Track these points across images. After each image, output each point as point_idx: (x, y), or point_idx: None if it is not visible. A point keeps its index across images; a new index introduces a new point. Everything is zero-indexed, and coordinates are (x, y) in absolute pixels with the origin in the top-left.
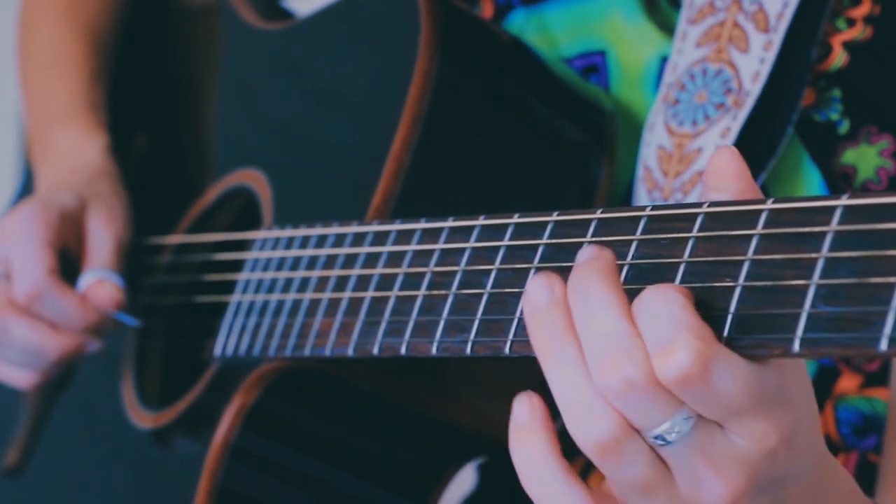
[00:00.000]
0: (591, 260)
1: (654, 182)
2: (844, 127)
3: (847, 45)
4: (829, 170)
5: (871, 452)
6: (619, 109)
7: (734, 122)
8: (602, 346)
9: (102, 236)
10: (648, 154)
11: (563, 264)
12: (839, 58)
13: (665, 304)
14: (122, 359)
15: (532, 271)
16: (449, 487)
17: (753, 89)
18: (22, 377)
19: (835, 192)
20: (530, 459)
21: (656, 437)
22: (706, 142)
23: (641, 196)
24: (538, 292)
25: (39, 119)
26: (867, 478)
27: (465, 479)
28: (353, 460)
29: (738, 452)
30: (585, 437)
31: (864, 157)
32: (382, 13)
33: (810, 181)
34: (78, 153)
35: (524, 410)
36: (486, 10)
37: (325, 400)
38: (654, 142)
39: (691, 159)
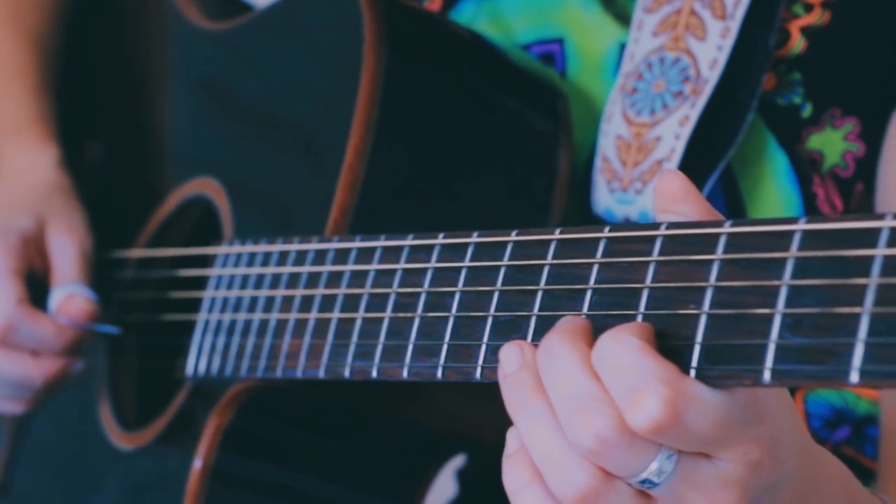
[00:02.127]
0: (560, 324)
1: (613, 172)
2: (808, 110)
3: (805, 31)
4: (796, 156)
5: (844, 445)
6: (578, 97)
7: (692, 111)
8: (570, 405)
9: (65, 250)
10: (606, 144)
11: (526, 287)
12: (798, 43)
13: (624, 350)
14: (97, 375)
15: (496, 294)
16: (433, 485)
17: (711, 77)
18: (11, 406)
19: (802, 177)
20: (520, 486)
21: (642, 482)
22: (665, 130)
23: (601, 187)
24: (509, 358)
25: None
26: None
27: (446, 486)
28: (334, 470)
29: (726, 475)
30: (564, 492)
31: (830, 142)
32: (326, 13)
33: (777, 166)
34: (31, 170)
35: (515, 440)
36: (435, 1)
37: (302, 414)
38: (612, 131)
39: (650, 148)
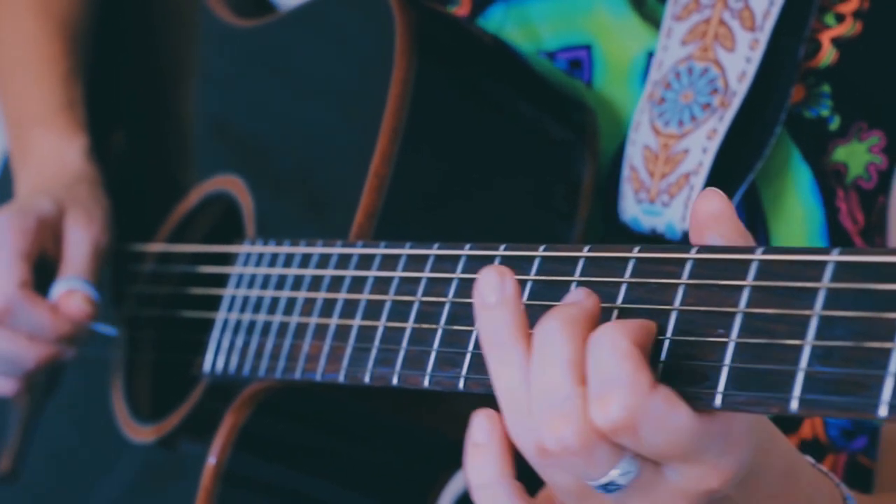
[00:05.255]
0: (570, 304)
1: (641, 183)
2: (835, 123)
3: (836, 42)
4: (821, 168)
5: (860, 454)
6: (604, 105)
7: (720, 124)
8: (545, 400)
9: (79, 242)
10: (634, 153)
11: (554, 303)
12: (829, 54)
13: (612, 350)
14: (111, 367)
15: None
16: (446, 489)
17: (740, 89)
18: (3, 385)
19: (826, 192)
20: (483, 479)
21: (598, 487)
22: (693, 143)
23: (628, 196)
24: (489, 286)
25: (16, 119)
26: (857, 479)
27: (460, 481)
28: (348, 473)
29: (676, 489)
30: (523, 440)
31: (854, 154)
32: (356, 16)
33: (800, 180)
34: (57, 158)
35: (483, 429)
36: (464, 4)
37: (318, 416)
38: (640, 141)
39: (678, 161)
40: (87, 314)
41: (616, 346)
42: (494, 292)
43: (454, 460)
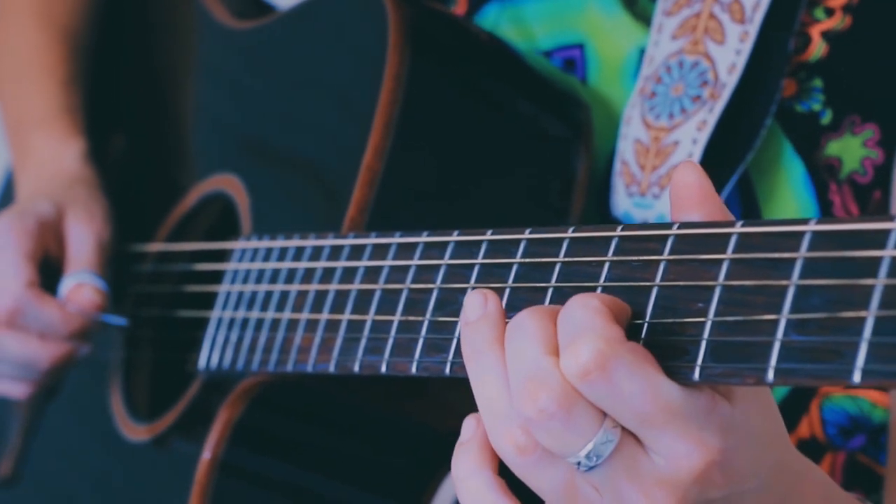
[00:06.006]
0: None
1: (632, 176)
2: (827, 117)
3: (826, 35)
4: (814, 162)
5: (859, 453)
6: (599, 102)
7: (711, 115)
8: (523, 376)
9: (82, 237)
10: (625, 148)
11: (537, 284)
12: (819, 48)
13: (580, 308)
14: (110, 367)
15: (507, 290)
16: (441, 487)
17: (730, 81)
18: (16, 389)
19: (819, 185)
20: (463, 472)
21: (578, 464)
22: (683, 135)
23: (620, 191)
24: (473, 306)
25: (16, 124)
26: (856, 478)
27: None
28: (343, 468)
29: (661, 473)
30: (502, 444)
31: (849, 148)
32: (350, 14)
33: (793, 173)
34: (55, 161)
35: (469, 428)
36: (461, 4)
37: (312, 410)
38: (631, 135)
39: (668, 153)
40: (97, 305)
41: (586, 304)
42: (477, 310)
43: (450, 454)
